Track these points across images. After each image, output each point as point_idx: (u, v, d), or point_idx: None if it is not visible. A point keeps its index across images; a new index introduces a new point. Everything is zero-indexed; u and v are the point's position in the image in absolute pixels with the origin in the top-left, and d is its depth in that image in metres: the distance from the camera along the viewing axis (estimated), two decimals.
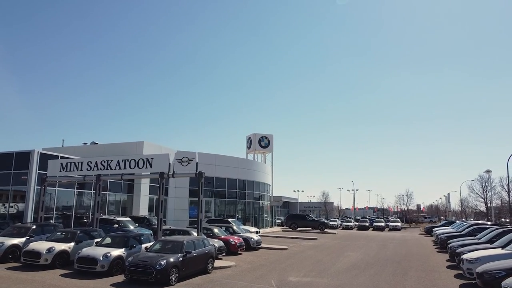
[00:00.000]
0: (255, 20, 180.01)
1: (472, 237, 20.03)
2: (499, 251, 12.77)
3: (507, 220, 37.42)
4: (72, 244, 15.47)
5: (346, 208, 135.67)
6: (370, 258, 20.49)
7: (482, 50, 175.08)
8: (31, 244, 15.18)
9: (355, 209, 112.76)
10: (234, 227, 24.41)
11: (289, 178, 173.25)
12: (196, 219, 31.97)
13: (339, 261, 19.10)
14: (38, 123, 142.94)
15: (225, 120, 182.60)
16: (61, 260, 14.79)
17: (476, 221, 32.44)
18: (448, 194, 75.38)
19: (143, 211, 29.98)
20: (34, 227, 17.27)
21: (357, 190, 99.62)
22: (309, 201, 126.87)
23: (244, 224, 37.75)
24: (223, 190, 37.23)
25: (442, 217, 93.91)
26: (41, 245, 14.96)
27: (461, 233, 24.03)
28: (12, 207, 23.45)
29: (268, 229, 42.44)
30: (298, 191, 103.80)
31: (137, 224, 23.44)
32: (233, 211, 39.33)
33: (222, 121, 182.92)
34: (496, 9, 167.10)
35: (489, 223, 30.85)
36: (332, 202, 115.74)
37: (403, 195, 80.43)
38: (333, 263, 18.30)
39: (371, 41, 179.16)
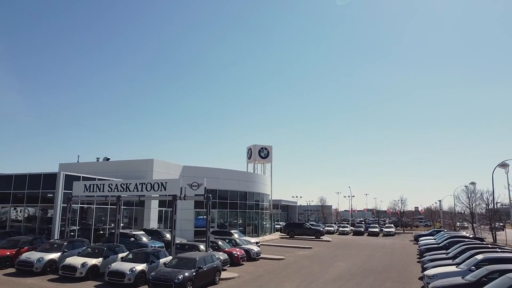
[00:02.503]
0: (253, 26, 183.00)
1: (444, 251, 22.81)
2: (453, 268, 15.57)
3: (488, 225, 40.14)
4: (101, 259, 18.34)
5: (344, 210, 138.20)
6: (356, 269, 23.34)
7: (483, 52, 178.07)
8: (67, 259, 18.04)
9: (352, 214, 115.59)
10: (237, 240, 27.20)
11: (288, 182, 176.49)
12: (201, 229, 35.34)
13: (328, 272, 21.95)
14: (45, 128, 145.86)
15: (227, 129, 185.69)
16: (92, 273, 17.63)
17: (455, 233, 35.03)
18: (440, 201, 78.14)
19: (153, 223, 32.79)
20: (66, 243, 20.10)
21: (353, 196, 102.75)
22: (308, 204, 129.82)
23: (245, 231, 40.80)
24: (226, 201, 40.05)
25: (437, 222, 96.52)
26: (75, 260, 17.84)
27: (439, 245, 26.82)
28: (26, 211, 26.27)
29: (267, 237, 45.25)
30: (296, 196, 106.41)
31: (150, 237, 26.25)
32: (235, 219, 42.13)
33: (224, 130, 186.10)
34: (489, 17, 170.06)
35: (471, 235, 33.41)
36: (331, 206, 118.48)
37: (397, 201, 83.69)
38: (323, 274, 21.14)
39: (371, 42, 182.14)
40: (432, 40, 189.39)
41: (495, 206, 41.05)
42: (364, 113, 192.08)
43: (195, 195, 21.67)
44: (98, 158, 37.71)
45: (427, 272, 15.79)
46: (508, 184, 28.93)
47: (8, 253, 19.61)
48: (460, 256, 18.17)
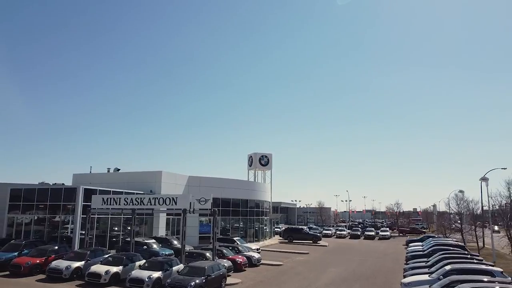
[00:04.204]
0: (251, 31, 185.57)
1: (426, 259, 25.26)
2: (426, 277, 18.06)
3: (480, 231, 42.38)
4: (121, 267, 20.91)
5: (344, 211, 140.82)
6: (347, 274, 25.93)
7: (482, 47, 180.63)
8: (92, 267, 20.64)
9: (351, 214, 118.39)
10: (239, 247, 29.72)
11: (288, 186, 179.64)
12: (205, 235, 37.88)
13: (322, 277, 24.53)
14: (48, 132, 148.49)
15: (229, 136, 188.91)
16: (114, 280, 20.19)
17: (441, 240, 37.24)
18: (434, 205, 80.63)
19: (161, 230, 35.36)
20: (89, 252, 22.71)
21: (350, 200, 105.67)
22: (307, 206, 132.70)
23: (246, 235, 43.46)
24: (228, 209, 42.60)
25: (432, 224, 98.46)
26: (99, 268, 20.45)
27: (424, 253, 29.24)
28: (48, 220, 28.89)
29: (267, 241, 47.76)
30: (295, 200, 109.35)
31: (160, 245, 28.80)
32: (237, 224, 44.64)
33: (226, 137, 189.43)
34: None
35: (455, 242, 35.67)
36: (329, 208, 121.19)
37: (393, 204, 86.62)
38: (317, 280, 23.73)
39: (371, 43, 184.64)
40: (433, 40, 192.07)
41: (490, 208, 43.14)
42: (364, 115, 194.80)
43: (203, 209, 24.27)
44: (109, 169, 40.30)
45: (404, 280, 18.33)
46: (488, 196, 31.33)
47: (38, 261, 22.20)
48: (436, 265, 20.66)
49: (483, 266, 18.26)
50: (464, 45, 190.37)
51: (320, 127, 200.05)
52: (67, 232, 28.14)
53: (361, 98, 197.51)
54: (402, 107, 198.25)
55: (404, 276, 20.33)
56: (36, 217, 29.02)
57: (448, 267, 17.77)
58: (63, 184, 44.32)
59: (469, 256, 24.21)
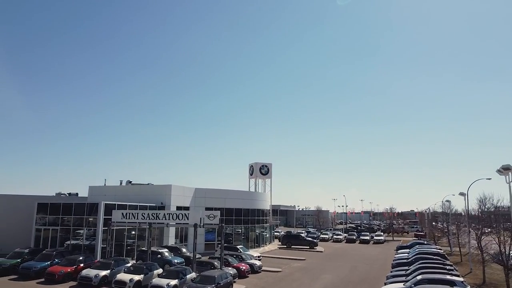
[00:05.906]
0: (248, 34, 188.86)
1: (407, 267, 28.47)
2: (401, 285, 21.41)
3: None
4: (142, 275, 24.31)
5: (342, 212, 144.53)
6: (339, 280, 29.32)
7: (482, 48, 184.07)
8: (118, 275, 24.04)
9: (346, 219, 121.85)
10: (242, 255, 33.09)
11: (287, 188, 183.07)
12: (210, 243, 41.27)
13: (316, 283, 27.94)
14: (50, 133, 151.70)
15: (230, 141, 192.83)
16: (137, 287, 23.56)
17: (426, 248, 40.12)
18: (428, 208, 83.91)
19: (171, 239, 38.76)
20: (113, 262, 26.11)
21: (347, 206, 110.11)
22: (306, 208, 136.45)
23: (248, 240, 46.86)
24: (231, 217, 46.02)
25: (426, 227, 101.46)
26: (124, 277, 23.83)
27: (407, 261, 32.45)
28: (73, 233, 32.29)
29: (267, 247, 51.19)
30: (294, 206, 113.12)
31: (172, 254, 32.20)
32: (239, 230, 47.97)
33: (227, 142, 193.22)
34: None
35: (440, 251, 38.78)
36: (327, 211, 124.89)
37: (388, 208, 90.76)
38: (311, 286, 27.13)
39: (371, 44, 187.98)
40: (432, 39, 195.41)
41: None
42: (363, 118, 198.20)
43: (211, 223, 27.69)
44: (121, 181, 43.69)
45: (383, 287, 21.69)
46: (468, 210, 34.60)
47: (69, 270, 25.60)
48: (411, 274, 23.95)
49: (448, 276, 21.48)
50: (464, 47, 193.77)
51: (319, 131, 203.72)
52: (82, 240, 31.51)
53: (359, 102, 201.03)
54: (401, 110, 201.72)
55: (385, 284, 23.67)
56: (60, 228, 32.38)
57: (419, 277, 21.07)
58: (77, 193, 47.81)
59: (442, 266, 27.08)
